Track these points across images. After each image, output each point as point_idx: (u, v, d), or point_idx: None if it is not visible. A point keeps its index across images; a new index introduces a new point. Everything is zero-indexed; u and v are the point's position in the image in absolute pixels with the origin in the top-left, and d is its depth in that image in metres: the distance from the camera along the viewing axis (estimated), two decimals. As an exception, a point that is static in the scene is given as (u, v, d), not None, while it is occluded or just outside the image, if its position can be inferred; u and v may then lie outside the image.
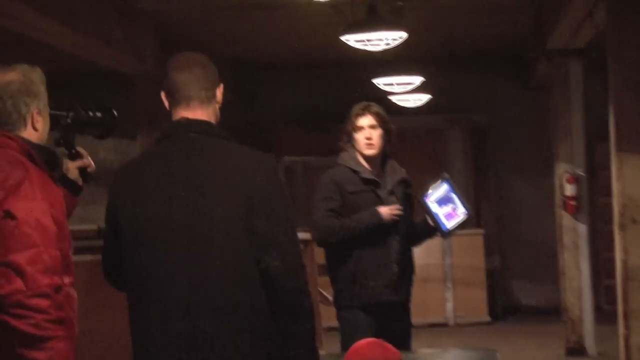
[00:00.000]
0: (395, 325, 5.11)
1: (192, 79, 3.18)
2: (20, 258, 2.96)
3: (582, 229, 9.64)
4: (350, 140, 5.24)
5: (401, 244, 5.14)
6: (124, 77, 9.73)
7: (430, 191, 5.22)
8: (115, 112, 3.62)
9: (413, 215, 5.32)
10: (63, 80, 12.43)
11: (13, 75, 3.21)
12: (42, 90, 3.25)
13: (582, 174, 9.58)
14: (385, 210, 5.07)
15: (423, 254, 12.09)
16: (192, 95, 3.18)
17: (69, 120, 3.48)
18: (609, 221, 7.99)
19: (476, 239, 12.12)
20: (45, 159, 3.22)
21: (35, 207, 3.04)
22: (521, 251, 13.14)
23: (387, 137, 5.25)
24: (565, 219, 9.66)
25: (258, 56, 12.38)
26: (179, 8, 9.05)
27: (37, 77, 3.25)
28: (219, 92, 3.28)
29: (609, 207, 7.71)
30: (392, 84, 9.90)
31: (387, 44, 7.26)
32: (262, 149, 3.26)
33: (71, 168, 3.51)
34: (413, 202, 5.33)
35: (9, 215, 3.00)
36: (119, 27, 8.38)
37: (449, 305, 11.97)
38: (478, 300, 11.95)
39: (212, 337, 3.01)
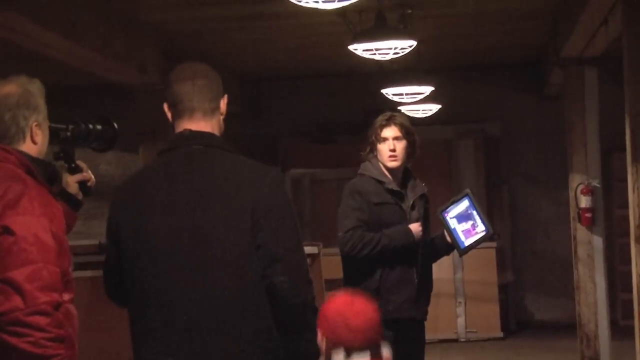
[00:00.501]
0: (410, 342, 5.06)
1: (195, 90, 3.13)
2: (18, 275, 2.92)
3: (598, 241, 9.52)
4: (373, 151, 5.18)
5: (423, 260, 5.11)
6: (125, 88, 9.67)
7: (450, 206, 5.13)
8: (116, 125, 3.59)
9: (430, 232, 5.27)
10: (64, 93, 12.38)
11: (12, 88, 3.18)
12: (41, 103, 3.22)
13: (597, 185, 9.48)
14: (415, 228, 5.03)
15: (434, 268, 11.94)
16: (195, 106, 3.13)
17: (68, 134, 3.44)
18: (625, 234, 7.86)
19: (488, 252, 11.96)
20: (45, 173, 3.20)
21: (34, 222, 3.00)
22: (535, 265, 13.00)
23: (410, 148, 5.19)
24: (580, 232, 9.55)
25: (264, 67, 12.28)
26: (182, 19, 8.96)
27: (36, 89, 3.22)
28: (223, 104, 3.21)
29: (625, 219, 7.58)
30: (401, 94, 9.75)
31: (396, 53, 7.14)
32: (268, 161, 3.21)
33: (71, 182, 3.48)
34: (429, 218, 5.27)
35: (7, 231, 2.97)
36: (120, 39, 8.30)
37: (461, 321, 11.80)
38: (490, 315, 11.79)
39: (217, 352, 2.94)
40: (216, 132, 3.16)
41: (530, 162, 13.02)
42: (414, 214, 5.12)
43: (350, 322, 2.85)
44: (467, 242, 5.09)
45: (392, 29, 7.21)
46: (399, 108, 11.20)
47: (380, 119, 5.24)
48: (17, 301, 2.92)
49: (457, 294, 11.85)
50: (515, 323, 12.60)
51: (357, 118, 11.85)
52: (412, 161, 5.27)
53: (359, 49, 7.11)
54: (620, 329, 10.80)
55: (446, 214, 5.11)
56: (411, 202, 5.14)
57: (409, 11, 7.89)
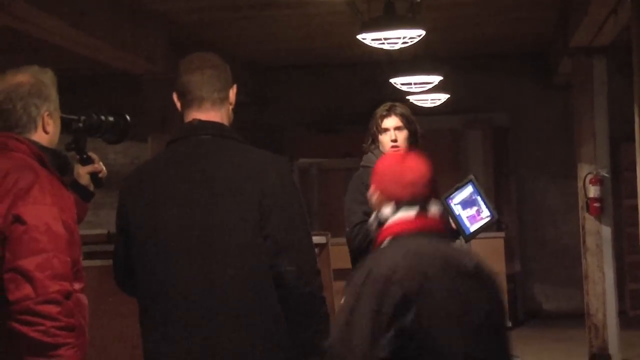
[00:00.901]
0: None
1: (204, 80, 3.13)
2: (29, 264, 2.93)
3: (606, 231, 9.49)
4: (375, 142, 5.11)
5: None
6: (134, 78, 9.66)
7: (454, 193, 5.04)
8: (128, 117, 3.61)
9: None
10: (72, 82, 12.38)
11: (24, 78, 3.20)
12: (53, 92, 3.24)
13: (606, 175, 9.44)
14: None
15: (442, 258, 11.96)
16: (204, 96, 3.13)
17: (80, 125, 3.46)
18: (634, 223, 7.86)
19: (497, 242, 11.92)
20: (56, 163, 3.20)
21: (46, 211, 3.00)
22: (543, 255, 12.98)
23: (412, 138, 5.13)
24: (589, 222, 9.52)
25: (271, 56, 12.26)
26: (190, 8, 8.95)
27: (48, 79, 3.23)
28: (232, 93, 3.22)
29: (633, 209, 7.58)
30: (410, 84, 9.72)
31: (405, 43, 7.09)
32: (275, 151, 3.20)
33: (82, 173, 3.50)
34: None
35: (19, 220, 2.98)
36: (129, 29, 8.30)
37: (469, 311, 11.77)
38: (499, 305, 11.75)
39: (226, 342, 2.94)
40: (225, 121, 3.16)
41: (538, 152, 12.98)
42: None
43: (401, 176, 2.86)
44: (473, 227, 5.01)
45: (401, 18, 7.16)
46: (407, 97, 11.19)
47: (381, 109, 5.16)
48: (27, 290, 2.92)
49: (465, 284, 11.83)
50: (524, 313, 12.57)
51: (365, 108, 11.81)
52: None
53: (367, 38, 7.08)
54: (629, 319, 10.80)
55: (450, 201, 5.02)
56: None
57: (418, 0, 7.85)
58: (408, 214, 2.82)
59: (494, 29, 10.83)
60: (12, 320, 2.94)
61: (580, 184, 9.54)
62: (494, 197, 12.71)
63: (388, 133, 5.07)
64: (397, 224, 2.80)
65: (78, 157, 3.50)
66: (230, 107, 3.20)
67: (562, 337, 11.08)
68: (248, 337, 2.95)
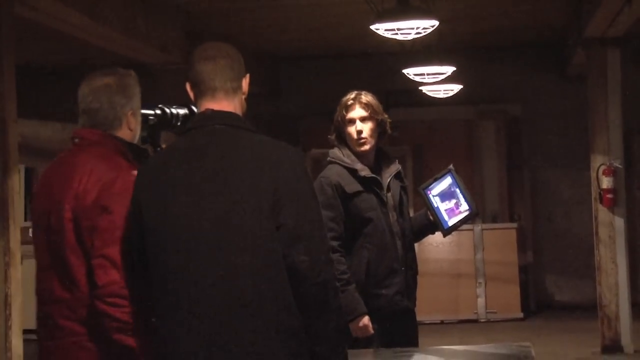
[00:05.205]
0: (405, 331, 4.80)
1: (218, 70, 3.13)
2: (115, 253, 3.17)
3: (619, 222, 9.49)
4: (342, 135, 4.81)
5: (404, 245, 4.78)
6: (147, 68, 9.66)
7: (433, 183, 4.83)
8: (195, 109, 3.68)
9: (407, 213, 4.92)
10: (86, 73, 12.34)
11: (110, 79, 3.46)
12: (136, 92, 3.50)
13: (619, 166, 9.43)
14: (365, 323, 4.60)
15: (454, 249, 11.97)
16: (218, 86, 3.13)
17: (155, 119, 3.66)
18: (648, 215, 7.86)
19: (509, 233, 11.94)
20: (138, 158, 3.44)
21: (129, 202, 3.16)
22: (556, 246, 12.96)
23: (380, 128, 4.81)
24: (602, 213, 9.51)
25: (285, 47, 12.26)
26: (204, -3, 8.94)
27: (132, 80, 3.51)
28: (245, 83, 3.21)
29: (647, 200, 7.56)
30: (423, 75, 9.71)
31: (418, 33, 7.08)
32: (288, 141, 3.18)
33: None
34: (407, 195, 4.94)
35: (106, 210, 3.21)
36: (142, 18, 8.30)
37: (481, 301, 11.79)
38: (511, 296, 11.78)
39: (239, 333, 2.94)
40: (238, 111, 3.15)
41: (551, 142, 12.95)
42: (390, 198, 4.76)
43: None
44: (451, 221, 4.79)
45: (415, 8, 7.15)
46: (420, 88, 11.19)
47: (345, 99, 4.83)
48: (115, 275, 3.16)
49: (478, 275, 11.84)
50: (536, 304, 12.57)
51: (377, 98, 11.82)
52: (384, 141, 4.89)
53: (380, 28, 7.07)
54: (641, 311, 10.75)
55: (429, 192, 4.79)
56: (386, 183, 4.78)
57: (431, -10, 7.84)
58: None
59: (508, 20, 10.80)
60: (100, 302, 3.17)
61: (593, 174, 9.53)
62: (507, 187, 12.72)
63: (353, 125, 4.77)
64: None
65: (153, 149, 3.67)
66: (244, 97, 3.19)
67: (574, 328, 11.07)
68: (260, 326, 2.94)
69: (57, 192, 3.34)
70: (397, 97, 12.25)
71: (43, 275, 3.39)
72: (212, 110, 3.12)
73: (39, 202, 3.45)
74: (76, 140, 3.46)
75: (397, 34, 7.06)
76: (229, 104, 3.13)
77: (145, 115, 3.59)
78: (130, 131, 3.47)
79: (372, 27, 7.09)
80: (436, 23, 7.01)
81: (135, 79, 3.53)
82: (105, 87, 3.45)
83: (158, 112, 3.67)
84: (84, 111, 3.46)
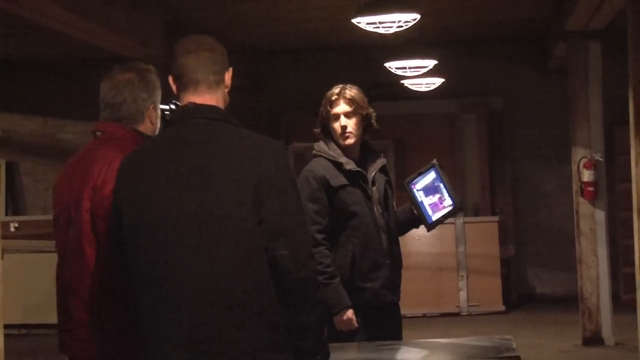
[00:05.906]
0: (389, 324, 4.81)
1: (200, 63, 3.12)
2: None
3: (600, 215, 9.50)
4: (327, 128, 4.82)
5: (389, 238, 4.80)
6: (129, 62, 9.62)
7: (417, 177, 4.83)
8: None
9: (392, 206, 4.93)
10: (67, 66, 12.35)
11: (132, 74, 3.57)
12: (157, 87, 3.61)
13: (600, 159, 9.45)
14: (349, 317, 4.62)
15: (436, 242, 11.98)
16: (200, 79, 3.12)
17: (170, 114, 3.69)
18: (628, 207, 7.87)
19: (491, 226, 11.96)
20: None
21: None
22: (537, 239, 13.00)
23: (365, 122, 4.82)
24: (583, 206, 9.53)
25: (267, 40, 12.24)
26: (186, -9, 8.92)
27: (152, 75, 3.61)
28: (228, 77, 3.20)
29: (628, 193, 7.58)
30: (405, 68, 9.72)
31: (400, 26, 7.08)
32: (271, 135, 3.18)
33: None
34: (393, 189, 4.95)
35: None
36: (125, 12, 8.29)
37: (463, 295, 11.82)
38: (492, 289, 11.80)
39: (221, 327, 2.94)
40: (221, 105, 3.14)
41: (533, 135, 12.99)
42: (375, 191, 4.78)
43: None
44: (435, 216, 4.79)
45: (396, 1, 7.13)
46: (402, 82, 11.20)
47: (329, 94, 4.79)
48: None
49: (460, 268, 11.85)
50: (517, 297, 12.59)
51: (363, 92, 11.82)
52: (370, 135, 4.90)
53: (362, 22, 7.08)
54: (622, 303, 10.79)
55: (413, 186, 4.80)
56: (372, 177, 4.80)
57: (413, -16, 7.83)
58: None
59: (490, 13, 10.82)
60: None
61: (574, 167, 9.55)
62: (489, 180, 12.75)
63: (338, 120, 4.77)
64: None
65: None
66: (226, 91, 3.19)
67: (555, 320, 11.09)
68: (242, 320, 2.94)
69: (78, 184, 3.44)
70: (379, 90, 12.25)
71: (62, 267, 3.49)
72: (195, 104, 3.10)
73: (60, 194, 3.54)
74: (98, 133, 3.58)
75: (378, 27, 7.07)
76: (211, 97, 3.12)
77: (161, 110, 3.64)
78: (152, 125, 3.60)
79: (354, 20, 7.09)
80: (417, 16, 7.01)
81: (155, 74, 3.63)
82: (127, 82, 3.56)
83: (173, 106, 3.65)
84: (107, 105, 3.57)
